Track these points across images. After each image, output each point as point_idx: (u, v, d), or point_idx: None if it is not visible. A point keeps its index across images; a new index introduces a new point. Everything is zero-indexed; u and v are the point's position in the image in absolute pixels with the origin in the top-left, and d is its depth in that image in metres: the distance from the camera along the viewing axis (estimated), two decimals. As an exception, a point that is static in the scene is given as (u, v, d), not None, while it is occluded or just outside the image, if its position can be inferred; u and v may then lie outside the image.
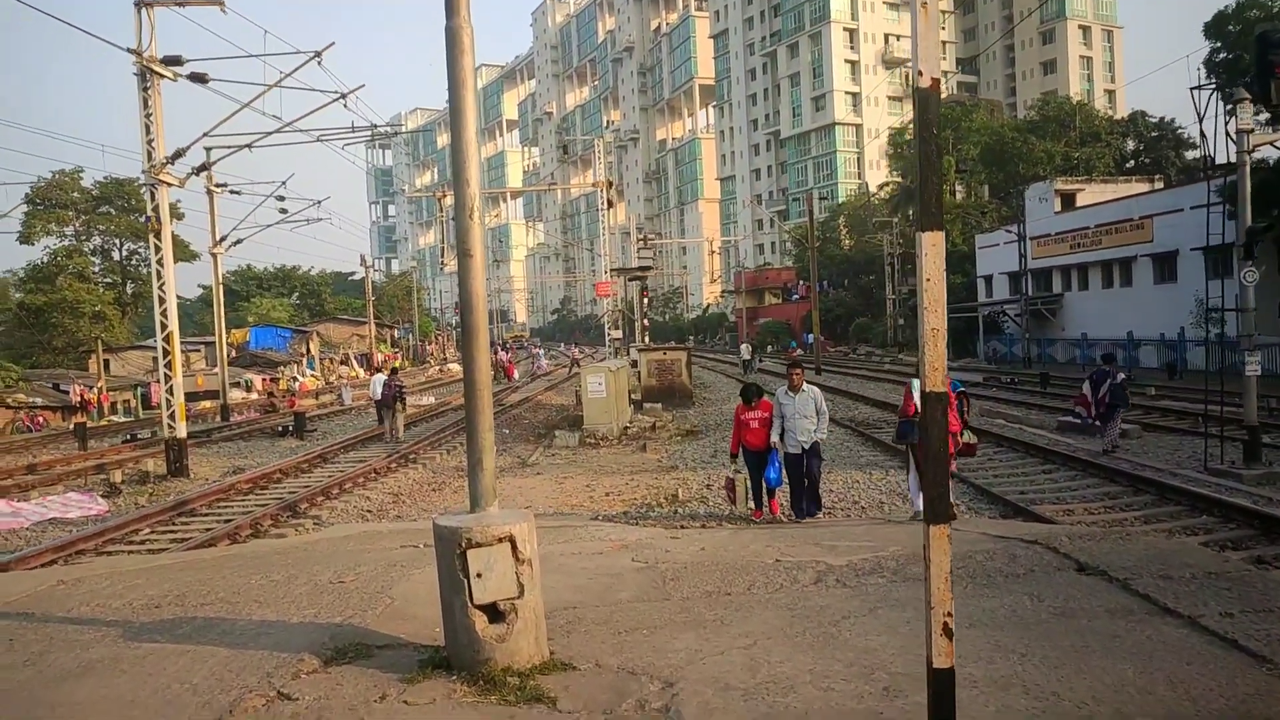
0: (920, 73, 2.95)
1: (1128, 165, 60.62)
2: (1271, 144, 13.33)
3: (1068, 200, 47.26)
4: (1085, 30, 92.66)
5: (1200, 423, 19.07)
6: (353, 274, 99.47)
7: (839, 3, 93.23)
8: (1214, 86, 13.68)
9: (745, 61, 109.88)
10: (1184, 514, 10.45)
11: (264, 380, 44.78)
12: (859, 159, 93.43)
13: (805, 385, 10.14)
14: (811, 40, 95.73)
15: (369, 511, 13.61)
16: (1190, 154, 60.77)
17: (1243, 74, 34.36)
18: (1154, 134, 61.83)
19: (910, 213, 64.07)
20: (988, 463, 14.99)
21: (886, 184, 73.04)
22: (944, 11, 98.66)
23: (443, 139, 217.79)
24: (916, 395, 10.57)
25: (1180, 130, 61.62)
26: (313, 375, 50.38)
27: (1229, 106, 13.01)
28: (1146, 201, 40.84)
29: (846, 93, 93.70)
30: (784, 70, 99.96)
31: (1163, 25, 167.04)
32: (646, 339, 38.88)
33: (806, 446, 9.90)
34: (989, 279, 51.33)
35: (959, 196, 64.87)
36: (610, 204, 30.85)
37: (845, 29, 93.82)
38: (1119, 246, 41.11)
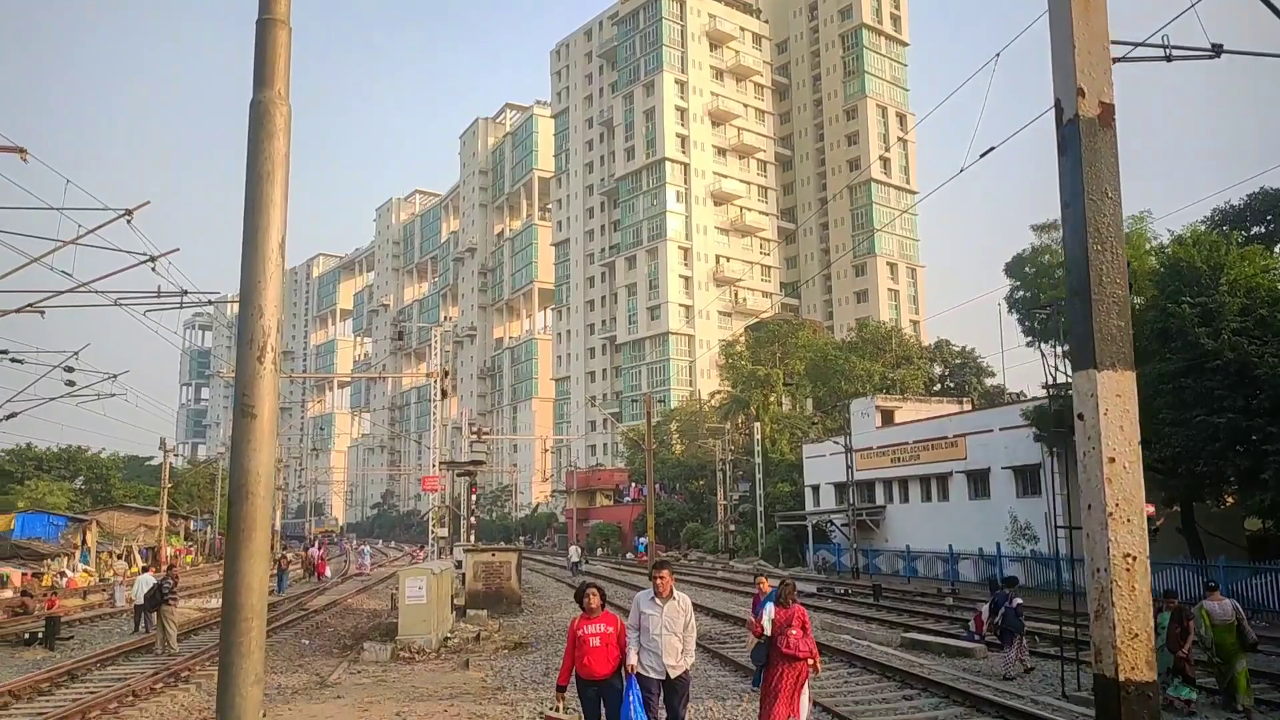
0: (1082, 92, 1.99)
1: (935, 388, 65.10)
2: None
3: (887, 416, 49.60)
4: (893, 266, 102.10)
5: (1037, 643, 18.89)
6: (150, 459, 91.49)
7: (675, 224, 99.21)
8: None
9: (585, 269, 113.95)
10: (1065, 752, 9.56)
11: (24, 576, 38.65)
12: (691, 367, 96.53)
13: (676, 592, 8.09)
14: (649, 255, 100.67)
15: (114, 750, 10.81)
16: (990, 380, 66.13)
17: (1040, 308, 37.79)
18: (958, 361, 67.08)
19: (740, 420, 65.75)
20: (844, 685, 13.86)
21: (718, 392, 75.20)
22: (769, 241, 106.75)
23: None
24: (767, 617, 9.48)
25: (980, 359, 67.24)
26: (85, 570, 44.17)
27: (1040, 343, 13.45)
28: (959, 421, 43.29)
29: (680, 304, 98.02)
30: (622, 280, 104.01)
31: (958, 267, 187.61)
32: (474, 538, 36.51)
33: (673, 675, 7.83)
34: (816, 488, 52.36)
35: (785, 408, 67.31)
36: (445, 394, 29.44)
37: (680, 247, 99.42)
38: (936, 462, 42.97)
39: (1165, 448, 29.66)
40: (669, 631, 7.87)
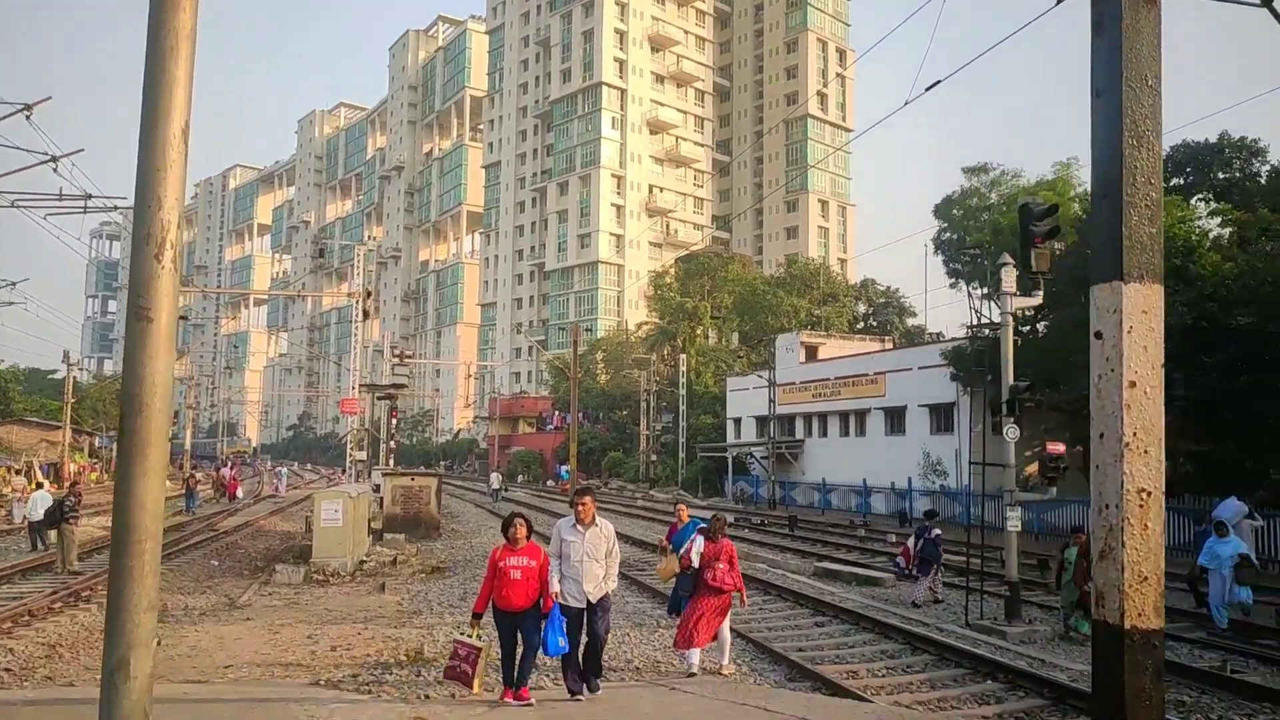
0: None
1: (859, 326, 66.28)
2: (1024, 311, 14.05)
3: (811, 352, 50.33)
4: (824, 204, 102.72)
5: (943, 574, 19.61)
6: (53, 372, 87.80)
7: (609, 151, 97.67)
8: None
9: (515, 193, 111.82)
10: (968, 678, 9.93)
11: (-87, 491, 36.92)
12: (619, 297, 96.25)
13: (598, 519, 7.95)
14: (581, 181, 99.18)
15: (7, 669, 10.39)
16: (911, 320, 67.58)
17: (966, 251, 38.45)
18: (882, 300, 68.28)
19: (666, 352, 66.07)
20: (759, 613, 14.15)
21: (645, 323, 75.27)
22: (703, 173, 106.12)
23: (186, 233, 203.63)
24: (695, 550, 9.62)
25: (903, 299, 68.56)
26: (-19, 485, 42.39)
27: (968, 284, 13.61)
28: (880, 359, 44.19)
29: (611, 233, 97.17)
30: (553, 206, 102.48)
31: (888, 208, 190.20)
32: (393, 462, 36.10)
33: (593, 599, 7.74)
34: (738, 421, 53.13)
35: (712, 341, 67.78)
36: (366, 315, 28.67)
37: (614, 175, 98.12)
38: (856, 398, 43.90)
39: (1073, 389, 30.79)
40: (590, 558, 7.73)
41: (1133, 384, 3.36)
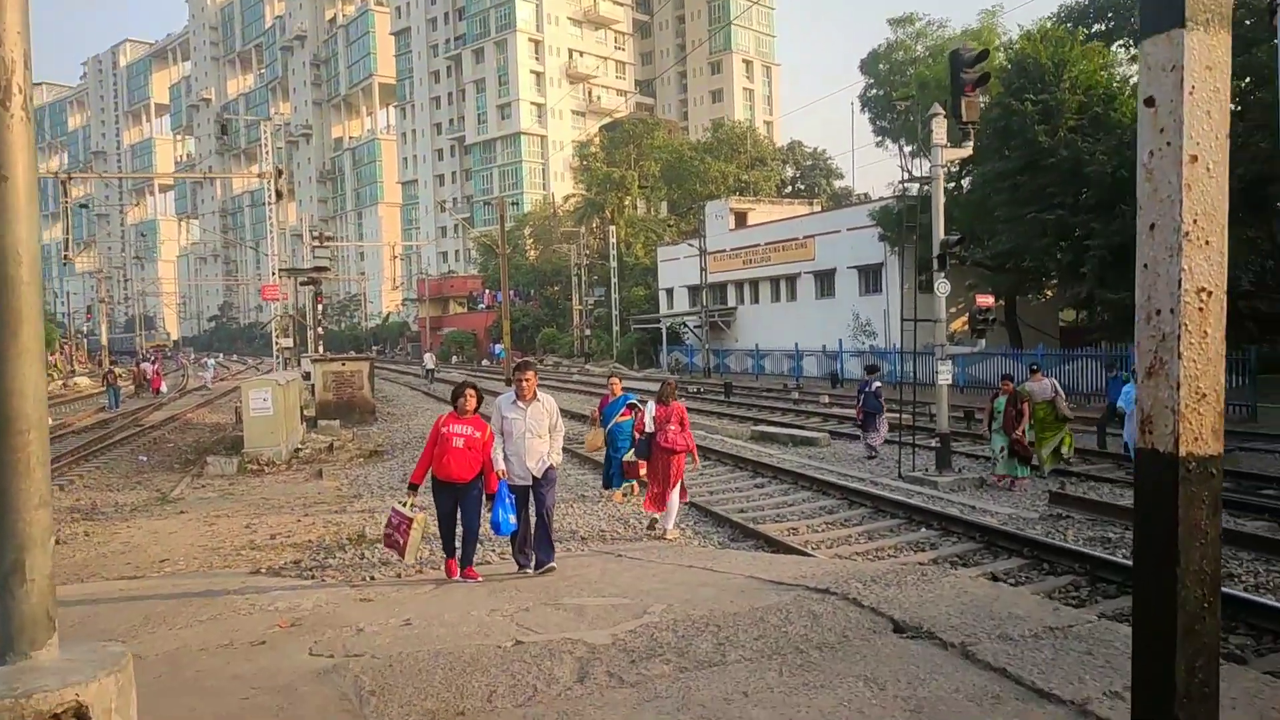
0: None
1: (786, 190, 66.01)
2: (948, 165, 13.91)
3: (740, 218, 50.08)
4: (749, 65, 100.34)
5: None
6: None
7: (525, 12, 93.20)
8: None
9: (429, 63, 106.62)
10: (904, 527, 10.23)
11: None
12: (544, 170, 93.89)
13: (544, 396, 7.65)
14: (497, 47, 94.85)
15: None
16: (838, 182, 67.51)
17: (890, 108, 38.06)
18: (809, 163, 67.86)
19: (595, 224, 65.11)
20: (700, 478, 14.34)
21: (572, 196, 73.79)
22: (623, 34, 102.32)
23: (77, 117, 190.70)
24: (648, 415, 10.04)
25: (830, 160, 68.23)
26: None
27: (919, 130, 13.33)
28: (809, 222, 44.18)
29: (532, 103, 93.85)
30: (469, 75, 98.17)
31: (811, 69, 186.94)
32: (321, 349, 35.30)
33: (538, 474, 7.49)
34: (670, 291, 53.11)
35: (640, 211, 66.92)
36: (279, 195, 27.29)
37: (531, 39, 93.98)
38: (785, 263, 44.06)
39: (997, 244, 31.30)
40: (533, 434, 7.44)
41: (1194, 158, 2.58)
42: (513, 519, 7.16)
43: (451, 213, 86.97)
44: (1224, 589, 7.10)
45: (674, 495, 9.85)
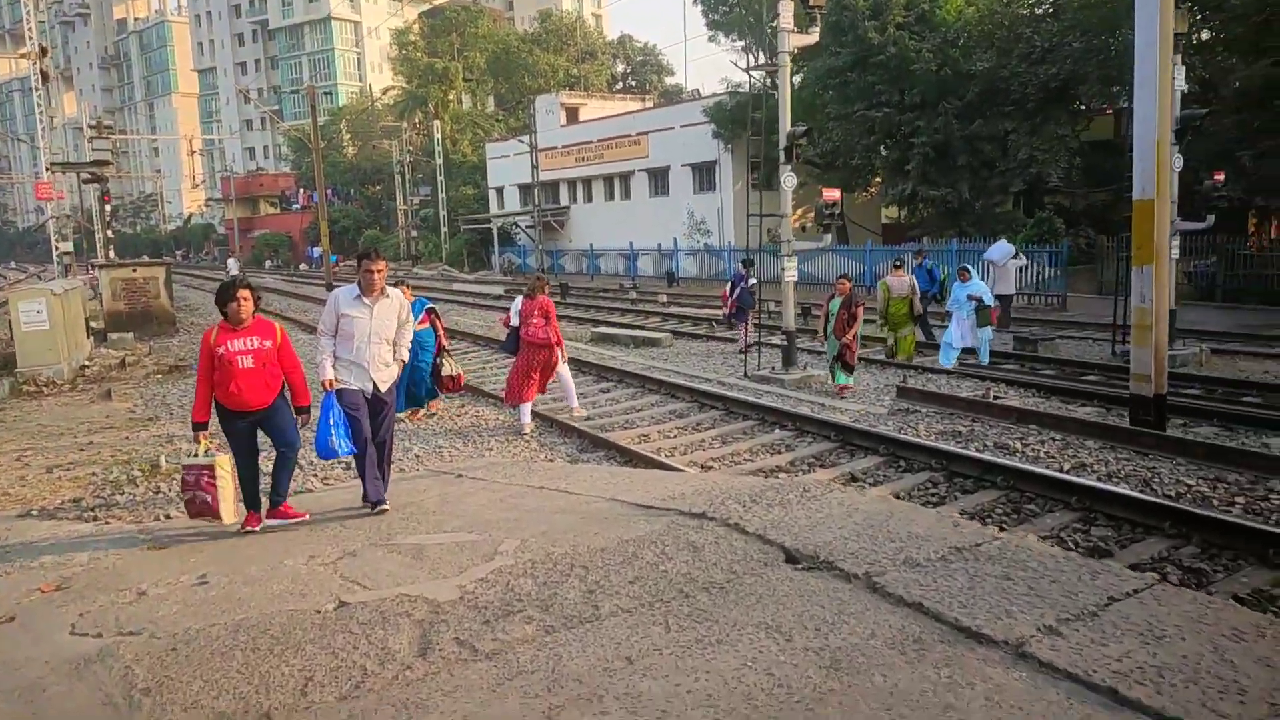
0: None
1: (618, 86, 64.35)
2: (793, 54, 13.27)
3: (572, 114, 48.36)
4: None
5: (714, 328, 19.93)
6: None
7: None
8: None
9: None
10: (758, 429, 9.89)
11: None
12: (360, 59, 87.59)
13: (393, 291, 6.39)
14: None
15: None
16: (669, 79, 66.42)
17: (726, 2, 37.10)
18: (640, 58, 66.25)
19: (418, 119, 61.47)
20: (541, 384, 13.59)
21: (392, 88, 69.19)
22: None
23: None
24: (514, 309, 9.87)
25: (661, 56, 66.87)
26: None
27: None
28: (643, 119, 43.13)
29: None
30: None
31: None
32: (112, 254, 31.72)
33: (382, 389, 6.23)
34: (501, 190, 51.12)
35: (466, 106, 63.67)
36: (46, 78, 23.65)
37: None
38: (619, 161, 43.04)
39: (827, 141, 31.47)
40: (379, 338, 6.18)
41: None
42: (337, 441, 5.83)
43: (257, 104, 79.85)
44: (1072, 477, 7.16)
45: (565, 372, 10.49)
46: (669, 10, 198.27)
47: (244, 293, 5.85)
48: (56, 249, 28.89)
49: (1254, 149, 20.90)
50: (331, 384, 6.05)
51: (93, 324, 22.44)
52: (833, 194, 12.86)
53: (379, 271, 6.15)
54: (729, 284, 15.98)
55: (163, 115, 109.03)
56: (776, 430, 9.70)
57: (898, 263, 13.98)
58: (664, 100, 55.13)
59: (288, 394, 6.04)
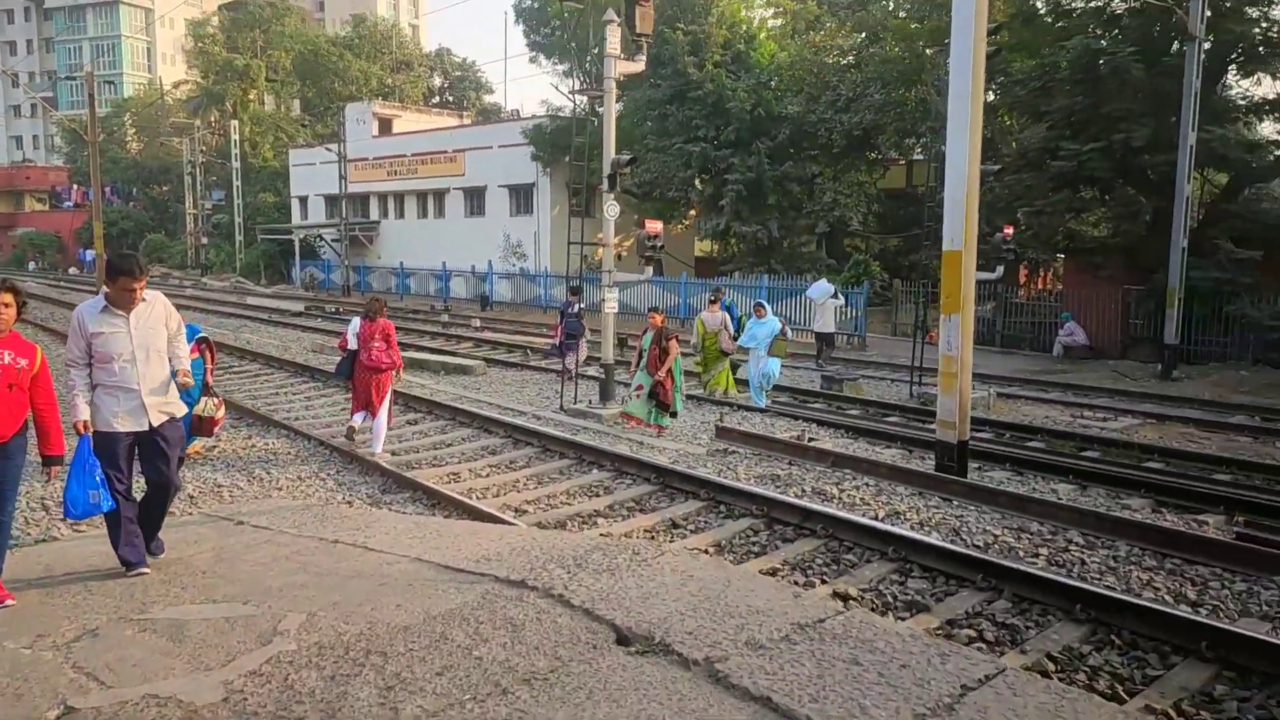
0: None
1: (434, 100, 62.84)
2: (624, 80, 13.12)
3: (385, 125, 46.64)
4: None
5: (529, 356, 19.45)
6: None
7: None
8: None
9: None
10: (575, 469, 9.47)
11: None
12: (149, 50, 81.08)
13: (151, 294, 5.20)
14: (85, -107, 79.43)
15: None
16: (488, 97, 65.58)
17: (545, 22, 36.97)
18: (458, 73, 65.05)
19: (214, 118, 57.50)
20: (341, 414, 12.61)
21: (185, 82, 64.33)
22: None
23: None
24: (351, 331, 9.46)
25: (480, 73, 65.99)
26: None
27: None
28: (460, 135, 42.16)
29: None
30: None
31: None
32: None
33: (155, 420, 5.07)
34: (305, 200, 48.49)
35: (269, 107, 60.18)
36: None
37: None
38: (434, 177, 41.83)
39: (645, 172, 31.81)
40: (148, 353, 5.06)
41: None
42: (97, 495, 4.82)
43: (27, 89, 72.06)
44: (889, 525, 7.19)
45: (382, 415, 9.79)
46: (489, 27, 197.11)
47: (6, 296, 4.61)
48: None
49: (1029, 206, 22.79)
50: (85, 426, 4.95)
51: None
52: (655, 226, 12.72)
53: (136, 285, 5.02)
54: (559, 313, 15.48)
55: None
56: (594, 470, 9.32)
57: (712, 297, 14.01)
58: (482, 119, 54.26)
59: (29, 435, 4.85)
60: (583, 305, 14.79)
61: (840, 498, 8.07)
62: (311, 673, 3.36)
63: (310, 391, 14.68)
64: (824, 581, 6.17)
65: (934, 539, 6.75)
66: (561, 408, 12.92)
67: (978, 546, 6.80)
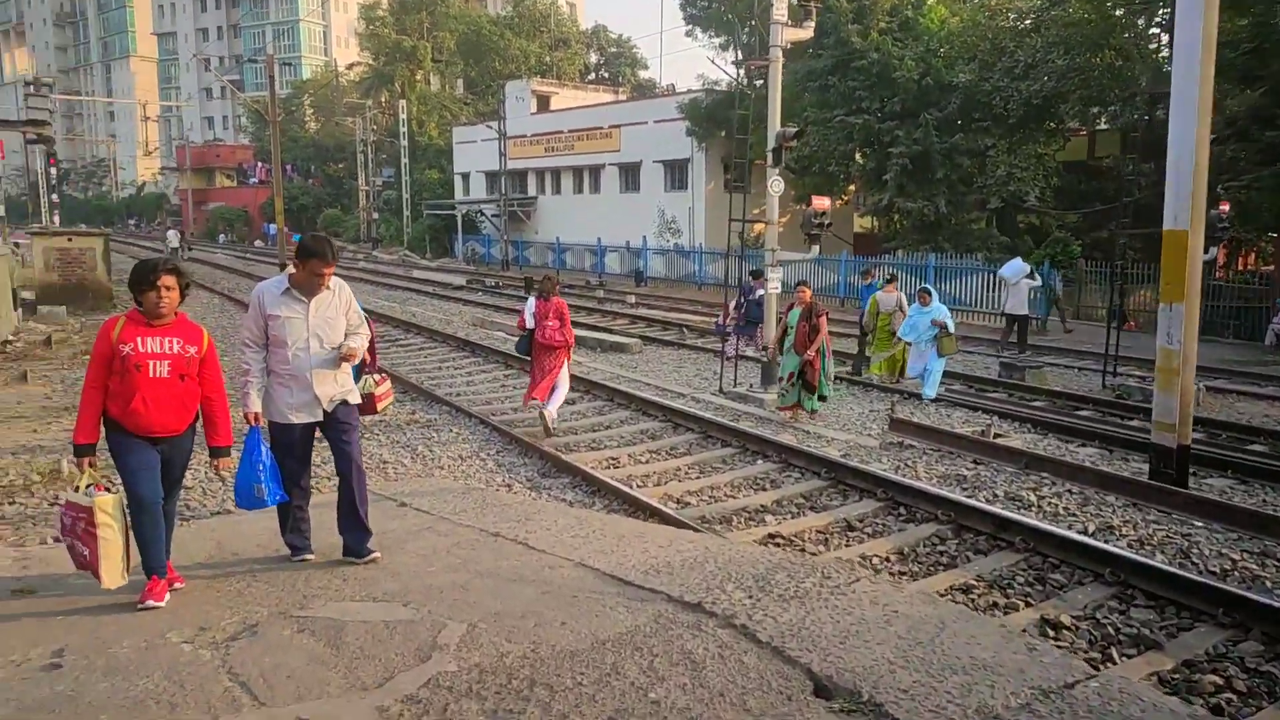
0: None
1: (590, 77, 63.18)
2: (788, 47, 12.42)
3: (544, 102, 47.16)
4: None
5: (685, 334, 19.03)
6: None
7: None
8: None
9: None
10: (738, 458, 8.99)
11: None
12: (326, 33, 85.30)
13: (336, 282, 4.91)
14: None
15: None
16: (643, 74, 65.40)
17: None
18: (613, 49, 65.12)
19: (384, 98, 59.78)
20: (501, 391, 12.59)
21: (357, 64, 67.26)
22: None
23: None
24: (528, 310, 9.16)
25: (635, 50, 65.85)
26: None
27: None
28: (616, 111, 42.06)
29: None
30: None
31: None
32: (56, 219, 30.02)
33: (329, 408, 4.85)
34: (466, 176, 49.73)
35: (434, 87, 62.07)
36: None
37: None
38: (590, 153, 41.94)
39: (804, 146, 30.67)
40: (321, 341, 4.80)
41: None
42: (263, 489, 4.60)
43: (217, 73, 77.29)
44: (1102, 543, 6.16)
45: (562, 381, 9.76)
46: (645, 2, 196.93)
47: (168, 279, 4.32)
48: (-11, 213, 27.13)
49: (1236, 180, 20.50)
50: (257, 418, 4.77)
51: (24, 294, 20.93)
52: (823, 202, 11.99)
53: (325, 267, 4.74)
54: (739, 294, 14.70)
55: (120, 79, 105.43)
56: (759, 461, 8.80)
57: (890, 276, 13.12)
58: (637, 94, 54.10)
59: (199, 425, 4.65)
60: (765, 290, 13.46)
61: (1040, 505, 7.24)
62: (472, 703, 3.03)
63: (471, 367, 14.77)
64: (1028, 604, 5.46)
65: (1159, 561, 5.88)
66: (720, 390, 12.45)
67: (1213, 573, 5.88)
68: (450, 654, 3.45)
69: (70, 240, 22.78)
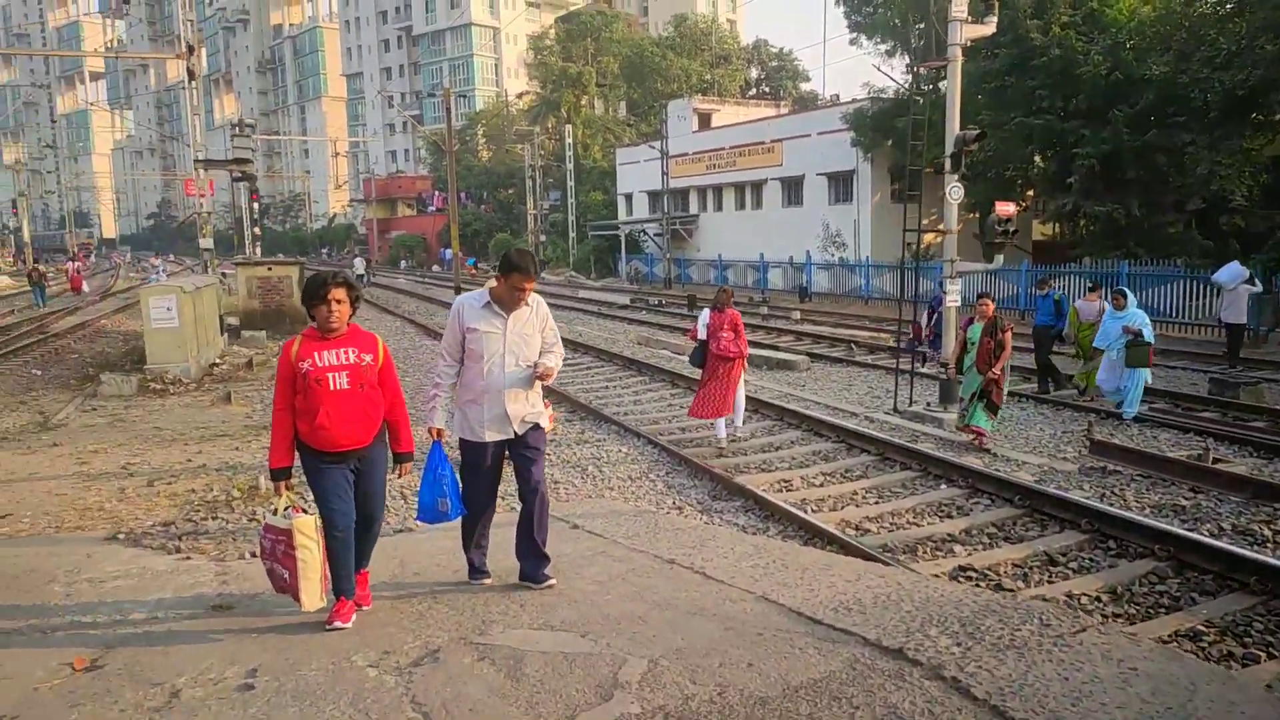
0: None
1: (751, 92, 62.95)
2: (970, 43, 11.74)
3: (704, 120, 47.31)
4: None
5: (854, 351, 18.37)
6: None
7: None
8: None
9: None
10: (919, 482, 8.48)
11: None
12: (497, 65, 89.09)
13: (534, 298, 4.85)
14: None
15: None
16: (805, 85, 64.58)
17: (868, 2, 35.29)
18: (774, 64, 64.66)
19: (551, 124, 61.68)
20: (669, 410, 12.50)
21: (526, 93, 69.84)
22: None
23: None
24: (701, 322, 9.70)
25: (797, 62, 65.12)
26: None
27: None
28: (777, 125, 41.62)
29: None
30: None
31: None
32: (259, 251, 32.58)
33: (519, 429, 4.77)
34: (629, 197, 50.51)
35: (599, 110, 63.52)
36: (193, 75, 24.22)
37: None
38: (751, 169, 41.67)
39: (979, 151, 29.18)
40: (517, 359, 4.72)
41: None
42: (447, 503, 4.61)
43: (399, 109, 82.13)
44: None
45: (741, 396, 9.96)
46: (807, 13, 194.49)
47: (338, 292, 4.35)
48: (202, 244, 29.73)
49: None
50: (439, 434, 4.75)
51: (229, 320, 22.72)
52: (1007, 208, 11.26)
53: (527, 281, 4.66)
54: (928, 308, 14.18)
55: (313, 118, 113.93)
56: (943, 486, 8.28)
57: (1092, 284, 12.17)
58: (799, 107, 53.42)
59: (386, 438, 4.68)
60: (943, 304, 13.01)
61: (1276, 541, 6.40)
62: (659, 749, 2.86)
63: (638, 386, 14.79)
64: (1271, 656, 4.78)
65: None
66: (895, 409, 11.88)
67: None
68: (632, 693, 3.30)
69: (270, 269, 24.58)
